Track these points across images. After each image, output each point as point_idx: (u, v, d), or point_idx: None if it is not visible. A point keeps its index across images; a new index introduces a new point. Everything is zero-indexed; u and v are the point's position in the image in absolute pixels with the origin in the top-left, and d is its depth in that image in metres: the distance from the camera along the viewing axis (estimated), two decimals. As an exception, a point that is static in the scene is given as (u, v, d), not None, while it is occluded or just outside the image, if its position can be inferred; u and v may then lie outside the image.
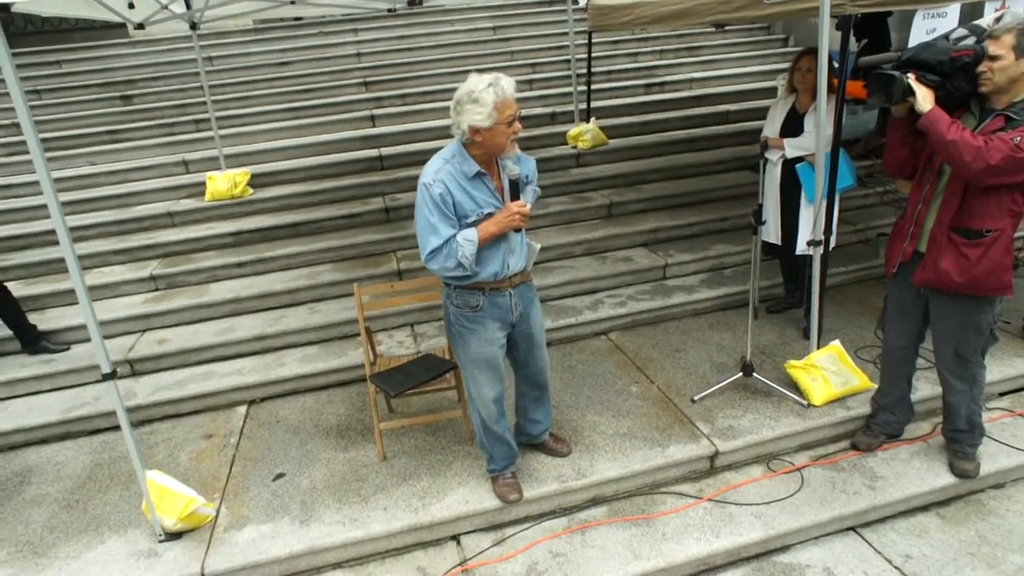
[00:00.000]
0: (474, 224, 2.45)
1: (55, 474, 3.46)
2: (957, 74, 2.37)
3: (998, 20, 2.40)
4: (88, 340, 4.15)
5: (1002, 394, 3.59)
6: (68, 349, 4.25)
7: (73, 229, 4.99)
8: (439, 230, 2.41)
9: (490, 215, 2.47)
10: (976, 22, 2.45)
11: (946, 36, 2.42)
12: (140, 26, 4.37)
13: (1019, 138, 2.30)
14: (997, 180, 2.39)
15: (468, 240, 2.42)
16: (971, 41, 2.38)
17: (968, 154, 2.34)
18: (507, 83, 2.34)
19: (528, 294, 2.79)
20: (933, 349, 2.95)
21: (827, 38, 2.92)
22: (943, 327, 2.81)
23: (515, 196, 2.49)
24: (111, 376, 2.59)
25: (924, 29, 2.82)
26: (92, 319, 2.53)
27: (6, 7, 2.18)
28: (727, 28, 8.32)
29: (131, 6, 4.04)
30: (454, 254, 2.41)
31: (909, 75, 2.42)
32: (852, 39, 5.09)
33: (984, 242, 2.52)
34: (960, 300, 2.68)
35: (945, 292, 2.69)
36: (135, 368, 4.13)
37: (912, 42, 2.62)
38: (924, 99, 2.42)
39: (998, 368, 3.61)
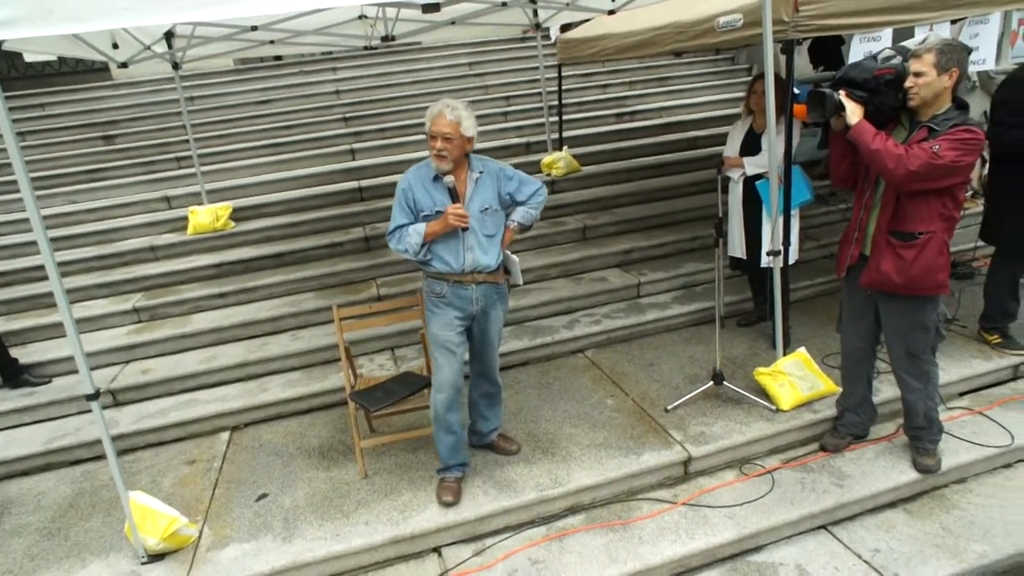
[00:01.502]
0: (428, 219, 2.90)
1: (35, 504, 3.46)
2: (882, 90, 2.58)
3: (923, 41, 2.62)
4: (70, 372, 4.23)
5: (962, 394, 3.74)
6: (49, 382, 4.27)
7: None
8: (396, 218, 2.96)
9: (439, 213, 2.87)
10: (903, 43, 2.67)
11: (875, 56, 2.63)
12: (124, 65, 4.52)
13: (938, 147, 2.50)
14: (920, 185, 2.58)
15: (416, 232, 2.90)
16: (897, 60, 2.59)
17: (891, 161, 2.54)
18: (438, 107, 2.82)
19: (493, 295, 3.08)
20: (887, 350, 3.10)
21: (771, 62, 3.14)
22: (892, 327, 2.97)
23: (454, 200, 2.86)
24: (95, 396, 2.65)
25: (861, 51, 3.04)
26: (75, 337, 2.60)
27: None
28: (689, 58, 8.69)
29: (115, 46, 4.18)
30: (403, 240, 2.92)
31: (840, 92, 2.63)
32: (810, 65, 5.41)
33: (918, 244, 2.70)
34: (904, 301, 2.85)
35: (890, 294, 2.86)
36: (118, 398, 4.16)
37: (849, 63, 2.83)
38: (852, 113, 2.63)
39: (956, 369, 3.77)
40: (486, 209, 2.96)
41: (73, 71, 9.16)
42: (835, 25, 3.16)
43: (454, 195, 2.86)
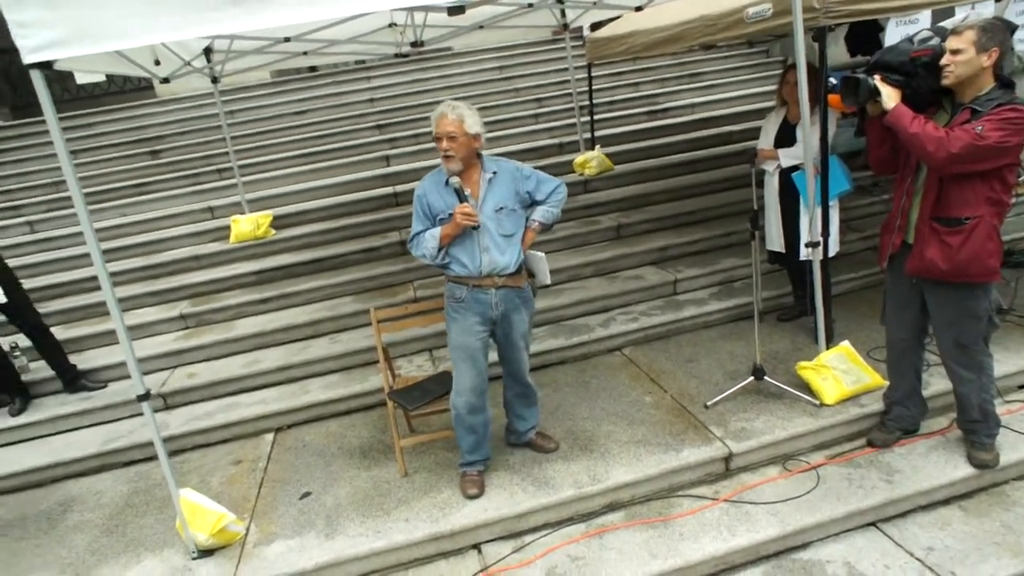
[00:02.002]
0: (444, 223, 2.92)
1: (95, 502, 3.61)
2: (919, 72, 2.50)
3: (964, 19, 2.53)
4: (123, 378, 4.40)
5: (1021, 387, 3.59)
6: (105, 386, 4.45)
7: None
8: (415, 224, 3.01)
9: (452, 216, 2.87)
10: (942, 23, 2.59)
11: (911, 39, 2.55)
12: (166, 80, 4.68)
13: (981, 127, 2.41)
14: (961, 168, 2.49)
15: (432, 236, 2.93)
16: (936, 42, 2.51)
17: (931, 145, 2.46)
18: (440, 109, 2.83)
19: (515, 300, 3.05)
20: (935, 341, 3.00)
21: (802, 50, 3.08)
22: (940, 317, 2.87)
23: (461, 200, 2.84)
24: (145, 397, 2.75)
25: (899, 36, 2.95)
26: (127, 342, 2.71)
27: (48, 65, 2.43)
28: (722, 52, 8.58)
29: (157, 63, 4.35)
30: (421, 246, 2.96)
31: (875, 77, 2.56)
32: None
33: (964, 229, 2.61)
34: (952, 288, 2.75)
35: (937, 282, 2.77)
36: (168, 401, 4.31)
37: (884, 47, 2.76)
38: (889, 97, 2.56)
39: (1014, 361, 3.63)
40: (501, 209, 2.94)
41: (120, 91, 9.56)
42: (868, 9, 3.08)
43: (461, 196, 2.84)
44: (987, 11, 3.03)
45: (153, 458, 3.89)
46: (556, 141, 6.97)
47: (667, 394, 3.80)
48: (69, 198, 5.59)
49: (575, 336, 4.45)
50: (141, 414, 4.09)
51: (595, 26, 6.23)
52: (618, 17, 5.71)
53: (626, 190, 6.12)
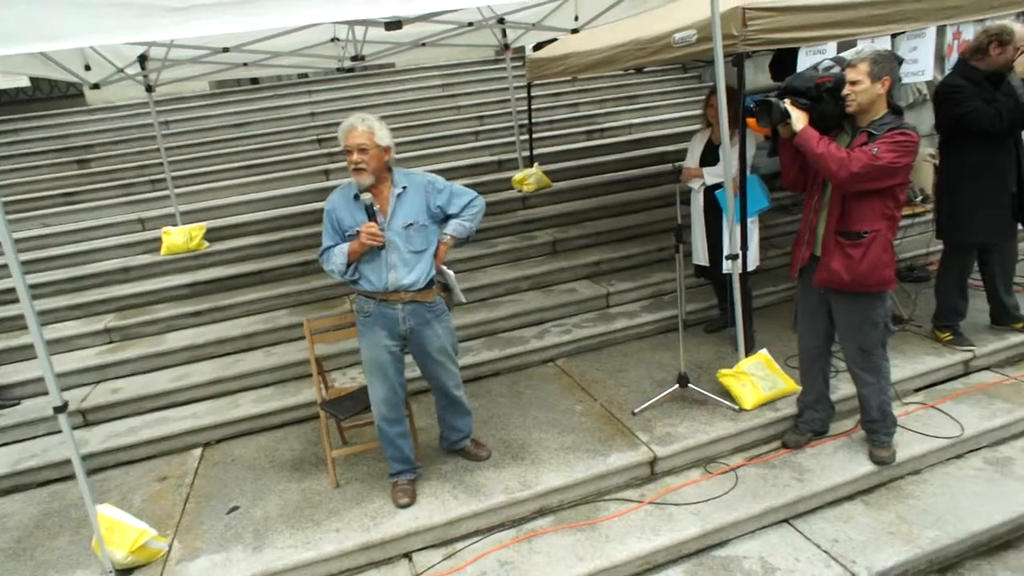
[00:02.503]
0: (353, 239, 2.90)
1: (0, 526, 3.43)
2: (824, 97, 2.73)
3: (858, 52, 2.78)
4: (39, 394, 4.22)
5: (917, 390, 3.86)
6: (18, 403, 4.25)
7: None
8: (325, 239, 3.01)
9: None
10: (841, 54, 2.83)
11: (815, 67, 2.78)
12: (96, 86, 4.57)
13: (876, 149, 2.65)
14: (862, 186, 2.73)
15: (340, 252, 2.93)
16: (836, 70, 2.74)
17: (834, 164, 2.69)
18: (349, 121, 2.81)
19: (425, 315, 3.04)
20: (840, 348, 3.22)
21: (722, 74, 3.30)
22: (844, 324, 3.09)
23: (370, 218, 2.84)
24: (62, 409, 2.66)
25: (808, 63, 3.20)
26: (44, 353, 2.63)
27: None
28: (658, 76, 8.97)
29: (87, 68, 4.25)
30: (330, 261, 2.97)
31: (785, 100, 2.77)
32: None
33: (863, 242, 2.84)
34: (854, 298, 2.98)
35: (841, 292, 2.99)
36: (88, 418, 4.14)
37: (794, 74, 2.99)
38: (797, 120, 2.78)
39: (911, 366, 3.90)
40: (410, 225, 2.92)
41: (47, 97, 9.19)
42: (781, 39, 3.33)
43: (371, 213, 2.83)
44: (884, 45, 3.32)
45: (70, 477, 3.73)
46: (496, 158, 7.11)
47: (597, 402, 3.92)
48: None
49: (510, 348, 4.53)
50: (57, 431, 3.96)
51: (539, 47, 6.44)
52: (557, 39, 5.91)
53: (563, 206, 6.28)
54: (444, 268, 3.09)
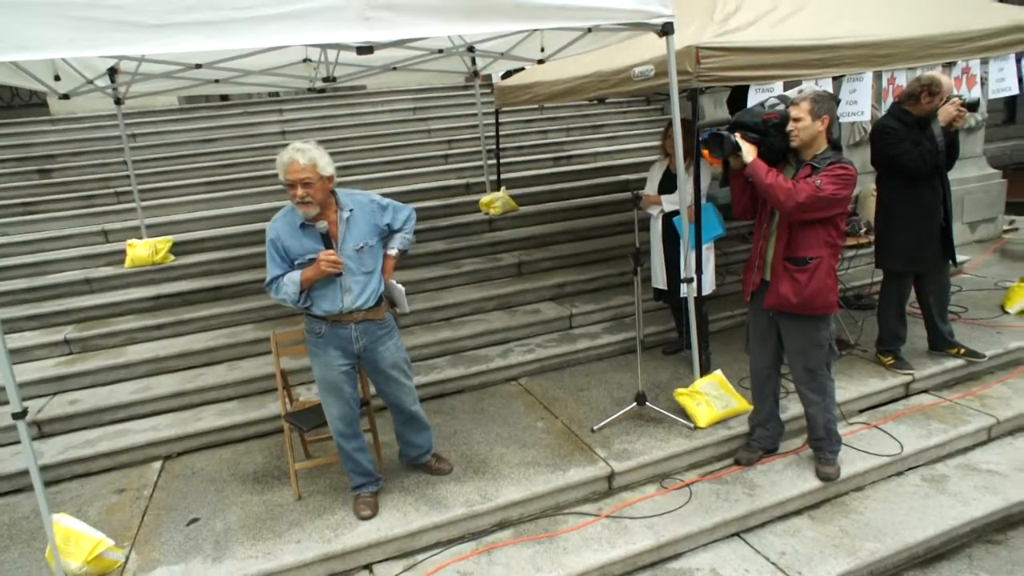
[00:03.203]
0: (303, 266, 2.87)
1: (-50, 538, 3.35)
2: (770, 132, 2.95)
3: (800, 91, 3.01)
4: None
5: (861, 410, 4.07)
6: (-30, 415, 4.14)
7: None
8: (271, 269, 2.93)
9: (312, 260, 2.84)
10: (786, 92, 3.05)
11: (762, 104, 3.00)
12: (65, 96, 4.56)
13: (819, 181, 2.86)
14: (807, 215, 2.93)
15: (292, 281, 2.87)
16: (782, 107, 2.96)
17: (782, 194, 2.89)
18: (287, 154, 2.71)
19: (377, 332, 3.10)
20: (789, 368, 3.40)
21: (677, 108, 3.51)
22: (792, 346, 3.27)
23: (327, 245, 2.84)
24: (21, 415, 2.65)
25: (757, 100, 3.43)
26: (4, 358, 2.62)
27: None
28: (623, 108, 9.30)
29: (57, 78, 4.25)
30: (281, 290, 2.90)
31: (736, 134, 2.98)
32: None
33: (809, 268, 3.03)
34: (801, 320, 3.17)
35: (789, 314, 3.17)
36: (43, 429, 4.07)
37: (743, 109, 3.21)
38: (747, 152, 2.98)
39: (856, 388, 4.12)
40: (361, 248, 2.94)
41: (8, 105, 9.04)
42: (733, 77, 3.56)
43: (327, 242, 2.83)
44: (827, 86, 3.57)
45: (23, 489, 3.68)
46: (464, 181, 7.24)
47: (558, 420, 4.02)
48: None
49: (474, 366, 4.62)
50: (10, 443, 3.90)
51: (507, 75, 6.64)
52: (524, 69, 6.12)
53: (529, 230, 6.43)
54: (393, 282, 3.14)
